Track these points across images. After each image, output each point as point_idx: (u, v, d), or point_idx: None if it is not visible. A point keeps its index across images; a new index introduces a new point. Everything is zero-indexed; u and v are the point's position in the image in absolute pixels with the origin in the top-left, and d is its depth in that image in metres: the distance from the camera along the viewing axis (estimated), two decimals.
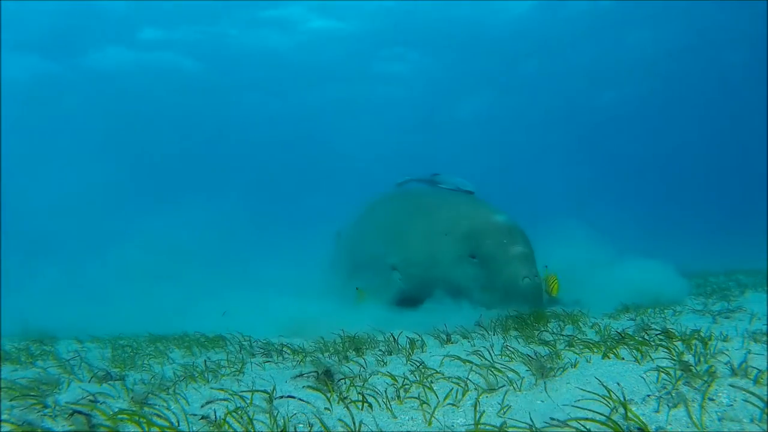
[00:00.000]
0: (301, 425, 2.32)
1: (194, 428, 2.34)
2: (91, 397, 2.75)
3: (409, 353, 3.78)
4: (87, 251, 8.84)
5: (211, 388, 3.03)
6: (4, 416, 2.45)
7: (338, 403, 2.66)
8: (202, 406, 2.60)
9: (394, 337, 4.28)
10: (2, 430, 2.29)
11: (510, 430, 2.11)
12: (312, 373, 3.09)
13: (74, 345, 5.07)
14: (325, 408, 2.57)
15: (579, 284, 6.42)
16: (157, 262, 8.03)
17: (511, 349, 3.65)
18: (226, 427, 2.22)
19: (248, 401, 2.58)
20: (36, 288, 7.27)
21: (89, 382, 3.33)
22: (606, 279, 6.47)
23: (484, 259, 5.79)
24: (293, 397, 2.67)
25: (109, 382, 3.27)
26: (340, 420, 2.36)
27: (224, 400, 2.68)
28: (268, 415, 2.41)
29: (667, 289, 6.03)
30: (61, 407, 2.61)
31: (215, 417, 2.30)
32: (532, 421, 2.16)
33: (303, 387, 2.97)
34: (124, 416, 2.36)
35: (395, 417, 2.44)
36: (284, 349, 4.07)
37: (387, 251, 6.84)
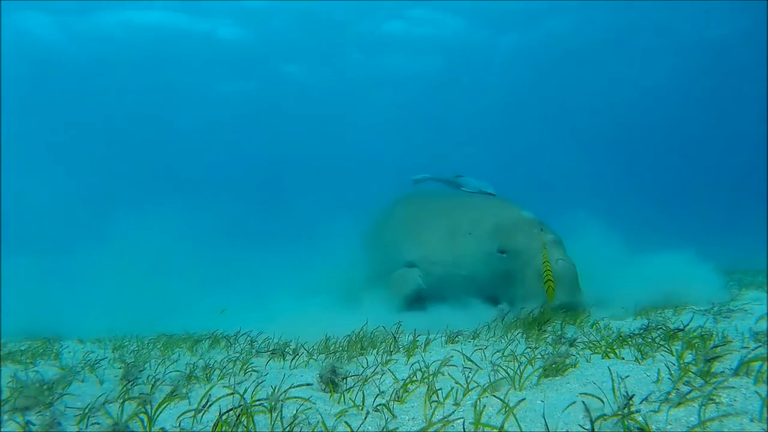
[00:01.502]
0: (303, 425, 2.33)
1: (197, 428, 2.35)
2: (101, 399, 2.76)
3: (411, 353, 3.79)
4: (89, 250, 8.83)
5: (215, 386, 3.03)
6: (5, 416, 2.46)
7: (339, 402, 2.67)
8: (204, 405, 2.61)
9: (395, 337, 4.29)
10: (3, 430, 2.30)
11: (511, 430, 2.12)
12: (315, 373, 3.10)
13: (76, 345, 5.08)
14: (327, 407, 2.58)
15: (600, 280, 6.28)
16: (163, 260, 8.04)
17: (514, 348, 3.66)
18: (227, 427, 2.23)
19: (251, 400, 2.58)
20: (37, 287, 7.26)
21: (98, 383, 3.34)
22: (631, 275, 6.32)
23: (515, 253, 5.73)
24: (296, 397, 2.68)
25: (114, 382, 3.28)
26: (342, 420, 2.37)
27: (229, 395, 2.69)
28: (271, 415, 2.42)
29: (700, 287, 5.77)
30: (67, 408, 2.62)
31: (219, 416, 2.31)
32: (543, 423, 2.17)
33: (306, 386, 2.97)
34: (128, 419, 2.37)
35: (395, 417, 2.45)
36: (287, 348, 4.08)
37: (405, 248, 6.82)
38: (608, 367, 2.94)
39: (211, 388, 2.84)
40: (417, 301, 6.43)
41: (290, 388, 2.77)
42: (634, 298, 5.60)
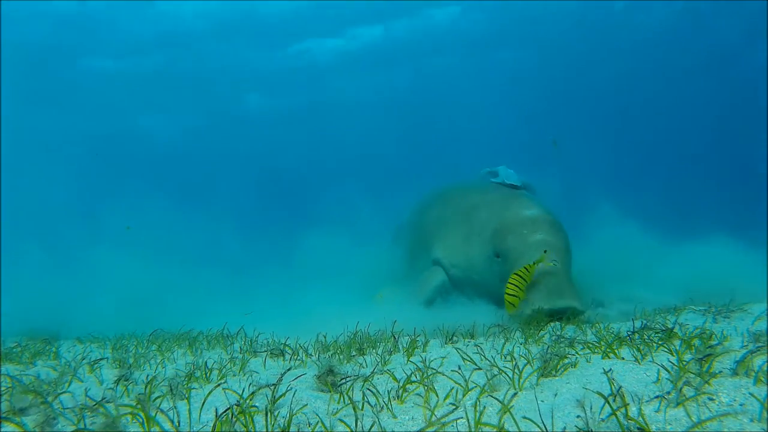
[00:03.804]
0: (302, 425, 2.32)
1: (196, 428, 2.34)
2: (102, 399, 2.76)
3: (411, 353, 3.78)
4: (91, 249, 8.81)
5: (214, 386, 3.03)
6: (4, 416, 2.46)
7: (339, 402, 2.66)
8: (203, 405, 2.61)
9: (395, 337, 4.29)
10: (3, 430, 2.30)
11: (511, 430, 2.11)
12: (314, 373, 3.09)
13: (76, 345, 5.08)
14: (327, 407, 2.58)
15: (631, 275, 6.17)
16: (169, 258, 8.05)
17: (512, 348, 3.66)
18: (227, 426, 2.23)
19: (250, 400, 2.58)
20: (38, 287, 7.26)
21: (101, 385, 3.34)
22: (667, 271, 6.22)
23: (505, 256, 5.65)
24: (295, 394, 2.68)
25: (113, 382, 3.28)
26: (340, 420, 2.36)
27: (229, 391, 2.68)
28: (269, 415, 2.41)
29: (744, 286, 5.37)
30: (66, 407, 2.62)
31: (216, 416, 2.31)
32: (543, 423, 2.17)
33: (305, 386, 2.97)
34: (128, 416, 2.36)
35: (395, 417, 2.45)
36: (286, 348, 4.08)
37: (432, 247, 6.92)
38: (608, 368, 2.94)
39: (212, 389, 2.84)
40: (444, 294, 6.51)
41: (288, 387, 2.77)
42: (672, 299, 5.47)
